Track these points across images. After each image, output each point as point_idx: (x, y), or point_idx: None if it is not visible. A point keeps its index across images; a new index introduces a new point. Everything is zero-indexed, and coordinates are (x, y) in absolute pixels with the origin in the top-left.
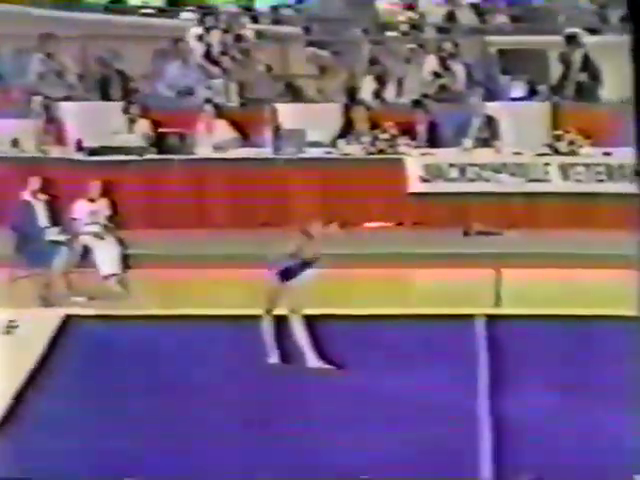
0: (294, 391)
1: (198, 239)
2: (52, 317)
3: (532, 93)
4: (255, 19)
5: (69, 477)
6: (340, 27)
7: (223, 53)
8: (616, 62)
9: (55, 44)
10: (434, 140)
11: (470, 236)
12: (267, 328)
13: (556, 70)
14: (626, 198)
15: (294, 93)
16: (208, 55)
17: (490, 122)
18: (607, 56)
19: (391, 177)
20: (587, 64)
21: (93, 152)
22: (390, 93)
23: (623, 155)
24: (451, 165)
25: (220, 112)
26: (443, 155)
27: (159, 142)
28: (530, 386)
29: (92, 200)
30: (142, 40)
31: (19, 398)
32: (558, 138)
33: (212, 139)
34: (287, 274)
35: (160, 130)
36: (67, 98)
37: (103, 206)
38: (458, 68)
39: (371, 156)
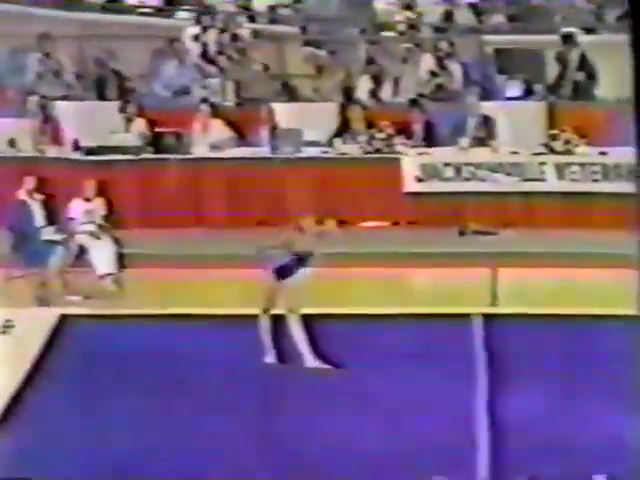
0: (292, 391)
1: (194, 238)
2: (48, 316)
3: (528, 92)
4: (252, 18)
5: (67, 477)
6: (337, 27)
7: (220, 52)
8: (612, 61)
9: (53, 44)
10: (430, 139)
11: (466, 235)
12: (264, 327)
13: (552, 69)
14: (622, 198)
15: (291, 92)
16: (205, 54)
17: (486, 121)
18: (603, 55)
19: (387, 176)
20: (583, 63)
21: (90, 151)
22: (386, 92)
23: (619, 154)
24: (447, 164)
25: (216, 111)
26: (439, 154)
27: (155, 142)
28: (527, 385)
29: (88, 199)
30: (138, 40)
31: (16, 398)
32: (554, 137)
33: (208, 138)
34: (283, 272)
35: (156, 129)
36: (65, 98)
37: (99, 205)
38: (454, 67)
39: (367, 155)
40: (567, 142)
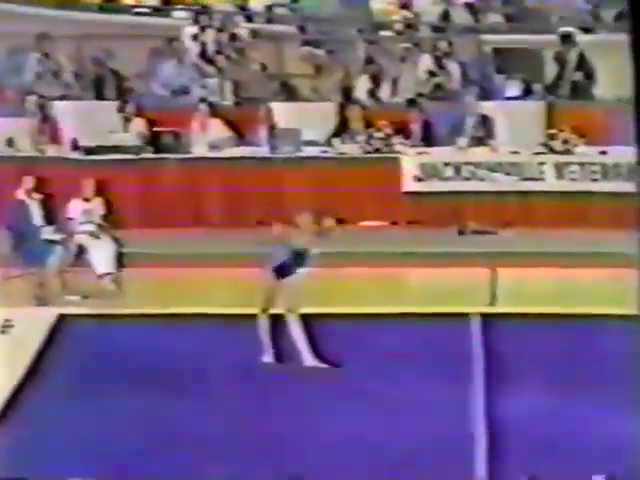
0: (290, 390)
1: (193, 238)
2: (47, 316)
3: (527, 92)
4: (250, 18)
5: (65, 476)
6: (335, 26)
7: (218, 52)
8: (611, 61)
9: (51, 44)
10: (429, 139)
11: (465, 235)
12: (263, 327)
13: (551, 69)
14: (621, 197)
15: (289, 92)
16: (203, 54)
17: (485, 121)
18: (601, 55)
19: (386, 176)
20: (582, 63)
21: (88, 151)
22: (385, 92)
23: (618, 154)
24: (446, 164)
25: (215, 111)
26: (438, 154)
27: (154, 141)
28: (526, 385)
29: (87, 199)
30: (137, 39)
31: (15, 397)
32: (553, 137)
33: (207, 138)
34: (282, 271)
35: (155, 129)
36: (63, 97)
37: (98, 205)
38: (453, 67)
39: (366, 155)
40: (566, 142)
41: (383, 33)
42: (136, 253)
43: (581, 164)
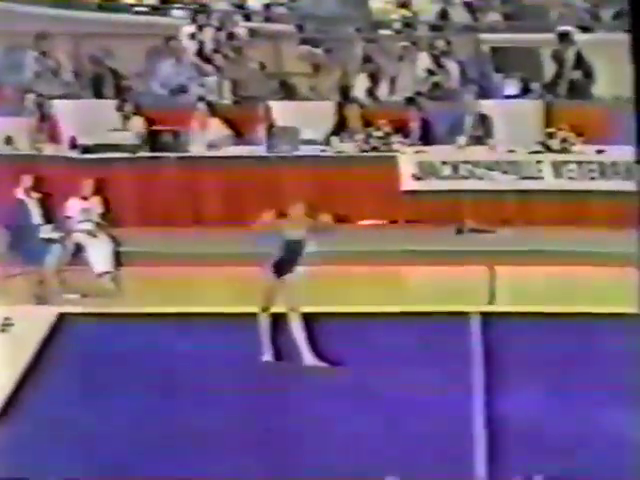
0: (289, 389)
1: (192, 237)
2: (46, 315)
3: (525, 91)
4: (248, 17)
5: (65, 475)
6: (333, 25)
7: (216, 51)
8: (609, 60)
9: (50, 42)
10: (427, 138)
11: (463, 234)
12: (263, 326)
13: (549, 68)
14: (619, 196)
15: (287, 91)
16: (201, 53)
17: (483, 120)
18: (600, 54)
19: (385, 175)
20: (580, 62)
21: (87, 150)
22: (383, 91)
23: (616, 153)
24: (444, 163)
25: (213, 110)
26: (436, 153)
27: (152, 140)
28: (525, 384)
29: (85, 198)
30: (135, 38)
31: (14, 396)
32: (551, 136)
33: (206, 137)
34: (280, 267)
35: (153, 128)
36: (62, 96)
37: (96, 204)
38: (451, 66)
39: (364, 154)
40: (564, 140)
41: (381, 32)
42: (134, 252)
43: (579, 163)
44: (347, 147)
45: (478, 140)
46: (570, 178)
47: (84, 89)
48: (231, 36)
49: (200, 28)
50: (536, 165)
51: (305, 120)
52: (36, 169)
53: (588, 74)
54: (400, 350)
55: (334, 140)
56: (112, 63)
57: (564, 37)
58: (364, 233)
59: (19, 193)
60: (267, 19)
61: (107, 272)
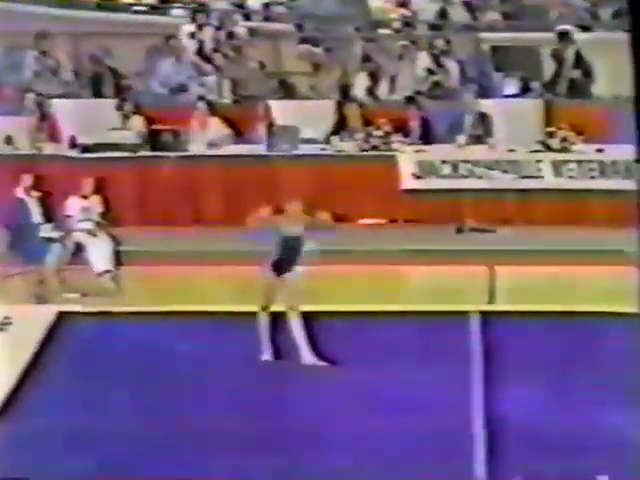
0: (288, 388)
1: (192, 236)
2: (46, 314)
3: (525, 90)
4: (247, 16)
5: (65, 474)
6: (333, 24)
7: (215, 50)
8: (608, 59)
9: (50, 42)
10: (427, 137)
11: (463, 233)
12: (263, 325)
13: (549, 67)
14: (619, 195)
15: (287, 90)
16: (200, 52)
17: (483, 119)
18: (599, 53)
19: (384, 174)
20: (579, 61)
21: (86, 149)
22: (383, 90)
23: (616, 152)
24: (444, 162)
25: (213, 109)
26: (436, 152)
27: (152, 139)
28: (525, 383)
29: (85, 197)
30: (134, 37)
31: (14, 395)
32: (551, 135)
33: (205, 136)
34: (279, 265)
35: (153, 127)
36: (62, 95)
37: (96, 203)
38: (451, 65)
39: (364, 153)
40: (564, 139)
41: (381, 31)
42: (134, 251)
43: (579, 162)
44: (347, 146)
45: (478, 139)
46: (570, 177)
47: (84, 88)
48: (231, 35)
49: (200, 27)
50: (536, 164)
51: (305, 119)
52: (36, 168)
53: (587, 73)
54: (400, 349)
55: (334, 139)
56: (112, 62)
57: (564, 36)
58: (364, 232)
59: (19, 192)
60: (267, 18)
61: (107, 271)
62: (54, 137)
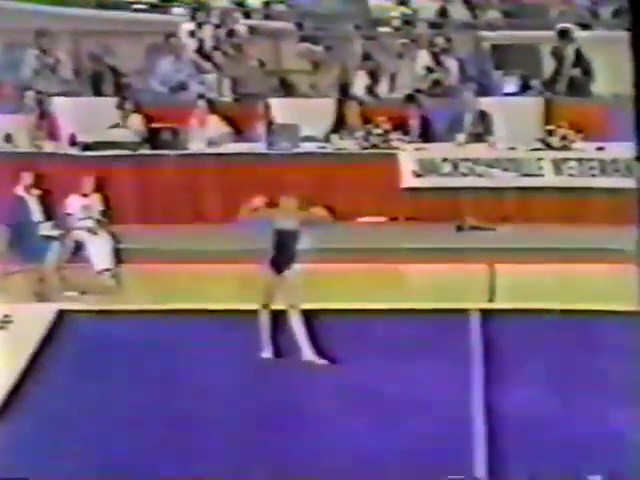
0: (289, 386)
1: (192, 234)
2: (46, 312)
3: (525, 88)
4: (247, 14)
5: (65, 472)
6: (333, 22)
7: (215, 48)
8: (608, 57)
9: (49, 40)
10: (427, 135)
11: (463, 231)
12: (263, 323)
13: (548, 65)
14: (619, 193)
15: (287, 88)
16: (200, 50)
17: (483, 117)
18: (599, 51)
19: (384, 172)
20: (579, 59)
21: (86, 147)
22: (383, 88)
23: (616, 150)
24: (444, 160)
25: (213, 107)
26: (436, 150)
27: (152, 137)
28: (525, 382)
29: (85, 195)
30: (134, 35)
31: (14, 393)
32: (551, 133)
33: (205, 134)
34: (277, 263)
35: (153, 125)
36: (62, 93)
37: (96, 201)
38: (451, 63)
39: (364, 151)
40: (564, 138)
41: (381, 29)
42: (135, 249)
43: (579, 160)
44: (347, 144)
45: (477, 137)
46: (571, 175)
47: (84, 86)
48: (230, 33)
49: (200, 25)
50: (537, 162)
51: (305, 117)
52: (36, 166)
53: (587, 71)
54: (400, 347)
55: (334, 137)
56: (112, 60)
57: (564, 34)
58: (364, 230)
59: (19, 190)
60: (266, 17)
61: (107, 269)
62: (54, 135)
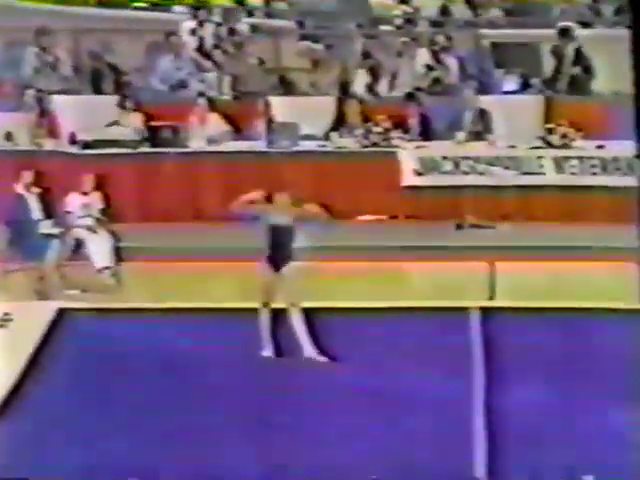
0: (289, 385)
1: (191, 232)
2: (46, 310)
3: (525, 86)
4: (248, 13)
5: (65, 471)
6: (333, 21)
7: (216, 46)
8: (609, 55)
9: (50, 38)
10: (427, 133)
11: (464, 229)
12: (264, 321)
13: (549, 63)
14: (620, 191)
15: (287, 86)
16: (201, 49)
17: (483, 115)
18: (600, 49)
19: (385, 170)
20: (580, 57)
21: (86, 145)
22: (383, 87)
23: (617, 148)
24: (445, 158)
25: (213, 105)
26: (436, 148)
27: (152, 135)
28: (525, 380)
29: (85, 193)
30: (134, 34)
31: (14, 391)
32: (551, 131)
33: (205, 132)
34: (274, 260)
35: (153, 123)
36: (62, 91)
37: (96, 199)
38: (451, 61)
39: (364, 149)
40: (564, 136)
41: (381, 28)
42: (134, 247)
43: (580, 158)
44: (347, 143)
45: (478, 136)
46: (571, 173)
47: (84, 84)
48: (231, 32)
49: (200, 24)
50: (537, 160)
51: (305, 116)
52: (36, 164)
53: (588, 70)
54: (400, 345)
55: (334, 135)
56: (112, 58)
57: (564, 33)
58: (364, 228)
59: (19, 188)
60: (267, 15)
61: (107, 267)
62: (54, 133)
